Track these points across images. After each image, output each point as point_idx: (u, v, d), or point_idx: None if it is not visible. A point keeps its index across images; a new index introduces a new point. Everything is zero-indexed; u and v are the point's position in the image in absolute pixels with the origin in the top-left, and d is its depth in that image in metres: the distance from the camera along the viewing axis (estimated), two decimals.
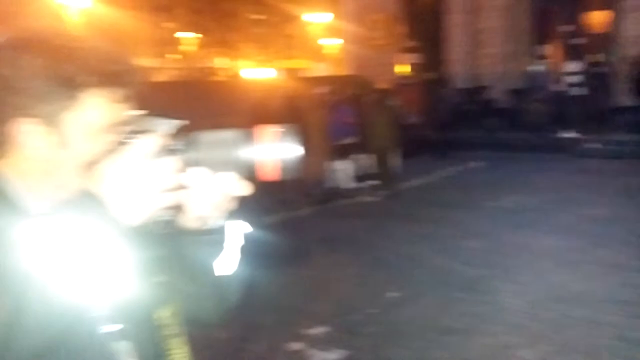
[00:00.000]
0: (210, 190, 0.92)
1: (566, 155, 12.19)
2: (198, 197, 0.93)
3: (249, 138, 0.90)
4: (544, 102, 14.22)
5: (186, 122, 0.91)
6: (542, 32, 16.45)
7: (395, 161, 10.60)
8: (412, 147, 11.74)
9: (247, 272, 1.14)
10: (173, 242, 1.03)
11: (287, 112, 9.85)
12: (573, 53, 14.43)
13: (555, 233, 6.86)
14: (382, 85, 11.08)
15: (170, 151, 0.87)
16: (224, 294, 1.13)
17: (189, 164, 0.89)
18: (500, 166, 11.70)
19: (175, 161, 0.87)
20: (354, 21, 19.46)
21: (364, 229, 7.68)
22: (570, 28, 14.49)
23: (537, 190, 9.29)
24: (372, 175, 10.55)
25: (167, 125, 0.90)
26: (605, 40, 14.76)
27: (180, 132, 0.90)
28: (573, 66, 14.41)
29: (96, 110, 0.93)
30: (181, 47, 35.57)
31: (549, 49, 16.05)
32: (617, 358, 3.94)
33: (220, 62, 32.41)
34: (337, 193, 9.41)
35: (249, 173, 0.91)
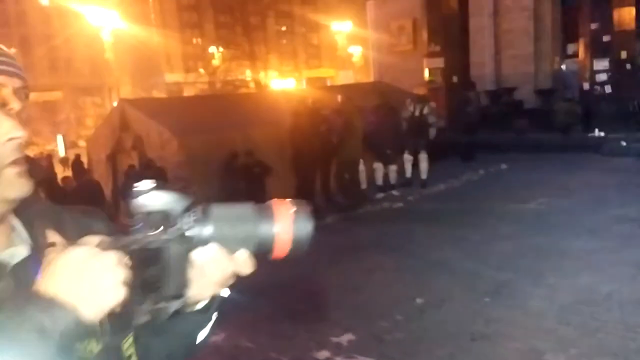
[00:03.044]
0: (218, 268, 0.87)
1: (595, 155, 11.97)
2: (205, 275, 0.87)
3: (263, 213, 0.85)
4: (574, 102, 14.02)
5: (193, 196, 0.85)
6: (569, 31, 16.25)
7: (424, 166, 10.61)
8: (440, 151, 11.70)
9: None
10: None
11: (313, 120, 9.94)
12: (601, 51, 14.23)
13: (584, 234, 6.75)
14: (419, 90, 11.04)
15: (180, 229, 0.83)
16: None
17: (200, 241, 0.84)
18: (529, 168, 11.51)
19: (185, 239, 0.83)
20: (379, 28, 19.53)
21: (390, 234, 7.65)
22: (597, 25, 14.29)
23: (566, 191, 9.14)
24: (400, 181, 10.56)
25: (178, 200, 0.83)
26: (632, 37, 14.52)
27: (193, 207, 0.84)
28: (601, 64, 14.21)
29: None
30: (211, 62, 36.13)
31: (577, 48, 15.85)
32: None
33: (248, 74, 32.88)
34: (363, 199, 9.43)
35: (262, 249, 0.86)
